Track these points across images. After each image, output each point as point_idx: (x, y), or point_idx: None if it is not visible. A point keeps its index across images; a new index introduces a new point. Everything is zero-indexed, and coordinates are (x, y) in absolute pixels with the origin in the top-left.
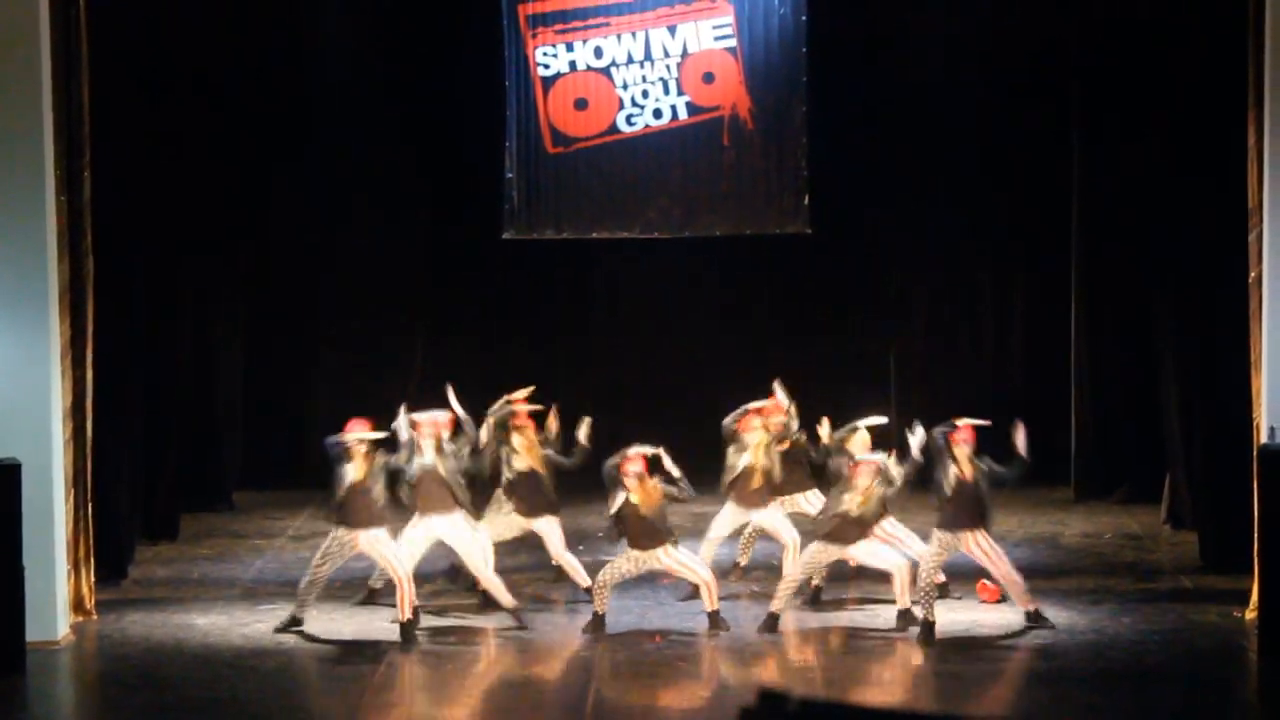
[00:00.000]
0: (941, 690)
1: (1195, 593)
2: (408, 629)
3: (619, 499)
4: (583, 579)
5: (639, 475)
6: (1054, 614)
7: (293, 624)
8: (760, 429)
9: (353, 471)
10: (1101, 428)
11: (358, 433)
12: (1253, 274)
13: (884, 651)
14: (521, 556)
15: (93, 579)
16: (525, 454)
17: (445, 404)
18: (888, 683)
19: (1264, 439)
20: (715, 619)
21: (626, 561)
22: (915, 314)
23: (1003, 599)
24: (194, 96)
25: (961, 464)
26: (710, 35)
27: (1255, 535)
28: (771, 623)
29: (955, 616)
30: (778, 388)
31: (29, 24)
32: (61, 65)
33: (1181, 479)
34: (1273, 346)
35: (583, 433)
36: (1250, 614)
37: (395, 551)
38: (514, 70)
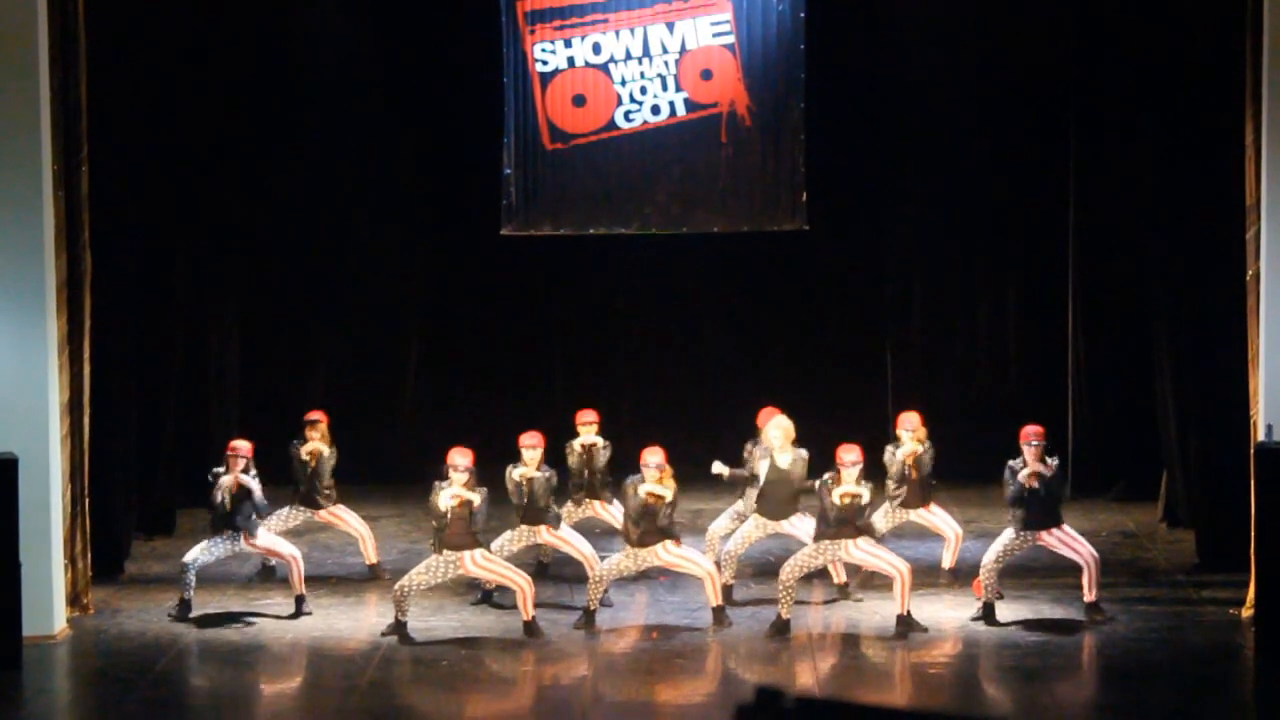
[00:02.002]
0: (937, 688)
1: (1192, 591)
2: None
3: (640, 490)
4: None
5: (660, 467)
6: (1050, 611)
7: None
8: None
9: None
10: (1098, 425)
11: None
12: (1250, 272)
13: (881, 650)
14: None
15: (89, 574)
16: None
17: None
18: (884, 681)
19: (1261, 437)
20: (719, 614)
21: (626, 558)
22: (912, 310)
23: (1000, 597)
24: (191, 92)
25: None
26: (709, 32)
27: (1252, 533)
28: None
29: (951, 614)
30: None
31: (27, 20)
32: (59, 61)
33: (1178, 477)
34: (1270, 344)
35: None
36: (1247, 612)
37: (503, 567)
38: (512, 66)
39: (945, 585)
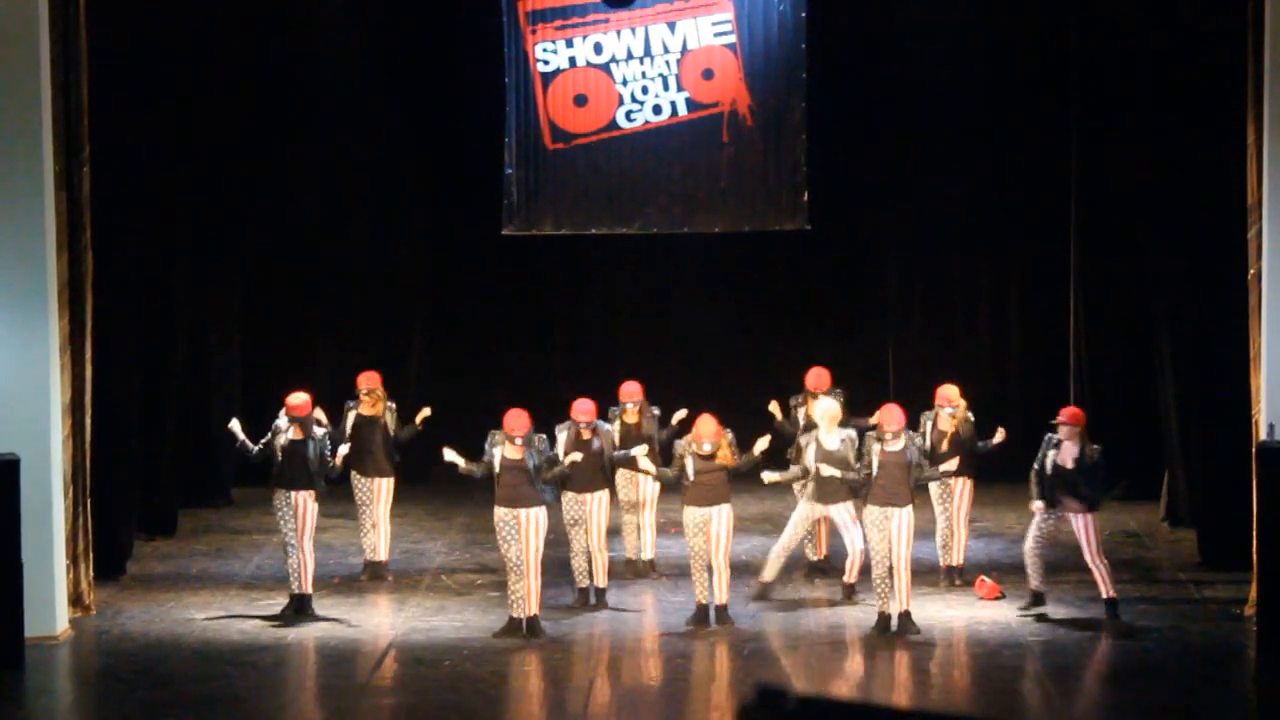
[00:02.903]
0: (938, 687)
1: (1193, 590)
2: None
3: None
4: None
5: (715, 436)
6: (1052, 611)
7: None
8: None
9: (510, 452)
10: (1100, 424)
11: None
12: (1252, 270)
13: (884, 649)
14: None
15: (91, 574)
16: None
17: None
18: (887, 681)
19: (1263, 436)
20: (721, 613)
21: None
22: (913, 310)
23: (1001, 596)
24: (193, 92)
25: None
26: (710, 32)
27: (1254, 532)
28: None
29: (953, 613)
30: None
31: (29, 20)
32: (61, 61)
33: (1180, 476)
34: (1272, 343)
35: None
36: (1249, 612)
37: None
38: (514, 66)
39: (947, 584)
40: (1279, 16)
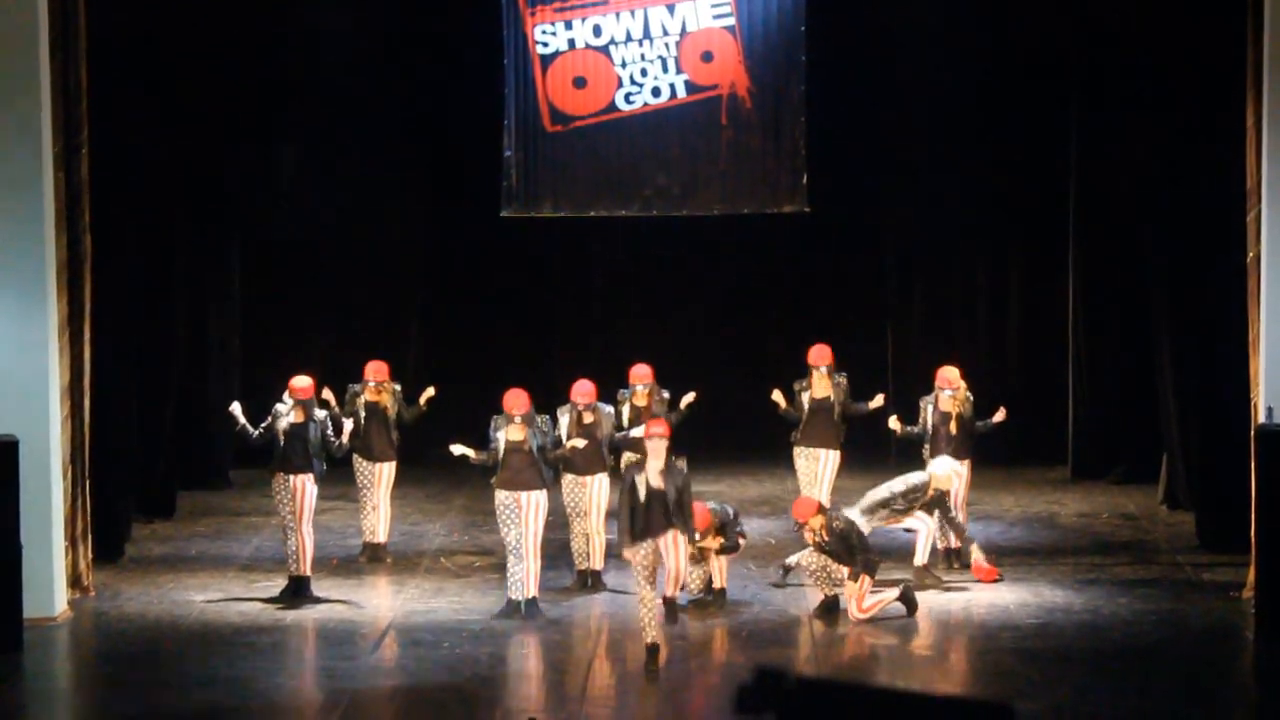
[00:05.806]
0: (936, 670)
1: (1192, 573)
2: None
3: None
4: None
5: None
6: (1050, 593)
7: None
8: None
9: (513, 433)
10: (1099, 408)
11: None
12: (1251, 254)
13: (881, 632)
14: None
15: (90, 556)
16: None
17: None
18: (884, 663)
19: (1261, 419)
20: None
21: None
22: (913, 291)
23: (999, 579)
24: (191, 74)
25: None
26: (709, 14)
27: (1252, 516)
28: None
29: (951, 596)
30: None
31: (28, 1)
32: (59, 43)
33: (1179, 459)
34: (1271, 327)
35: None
36: (1247, 594)
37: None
38: (513, 48)
39: (945, 567)
40: (1277, 1)
